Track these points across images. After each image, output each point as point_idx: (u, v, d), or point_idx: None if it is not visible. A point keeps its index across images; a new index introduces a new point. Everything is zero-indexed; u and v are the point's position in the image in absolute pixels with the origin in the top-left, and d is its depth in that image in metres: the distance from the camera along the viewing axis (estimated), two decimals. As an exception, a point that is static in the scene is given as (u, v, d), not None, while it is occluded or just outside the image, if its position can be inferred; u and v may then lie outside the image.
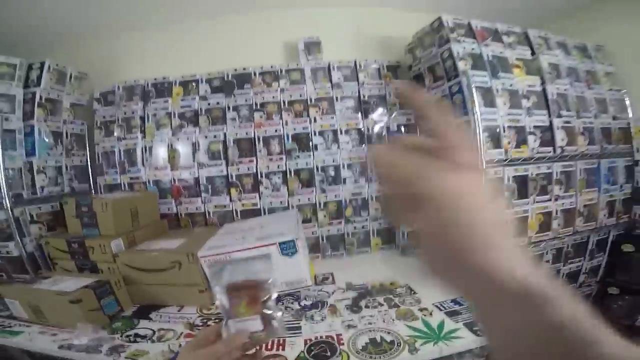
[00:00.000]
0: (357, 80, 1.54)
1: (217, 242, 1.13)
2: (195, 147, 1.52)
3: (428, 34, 1.38)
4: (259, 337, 0.56)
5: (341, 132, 1.49)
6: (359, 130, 1.51)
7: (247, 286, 0.57)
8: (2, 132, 1.24)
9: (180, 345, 0.88)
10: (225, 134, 1.51)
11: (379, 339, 0.85)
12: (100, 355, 0.87)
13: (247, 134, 1.50)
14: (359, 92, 1.53)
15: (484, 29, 1.32)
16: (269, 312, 0.57)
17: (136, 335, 0.94)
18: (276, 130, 1.50)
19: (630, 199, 1.46)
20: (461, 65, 1.22)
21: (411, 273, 1.21)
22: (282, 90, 1.54)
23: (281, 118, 1.51)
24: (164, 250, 1.11)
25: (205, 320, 1.01)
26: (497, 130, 1.22)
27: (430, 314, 0.95)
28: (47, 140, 1.41)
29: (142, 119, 1.56)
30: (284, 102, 1.53)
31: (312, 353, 0.82)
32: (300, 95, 1.53)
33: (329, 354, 0.81)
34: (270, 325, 0.57)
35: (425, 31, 1.40)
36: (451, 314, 0.94)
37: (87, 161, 1.61)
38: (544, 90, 1.34)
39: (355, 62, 1.56)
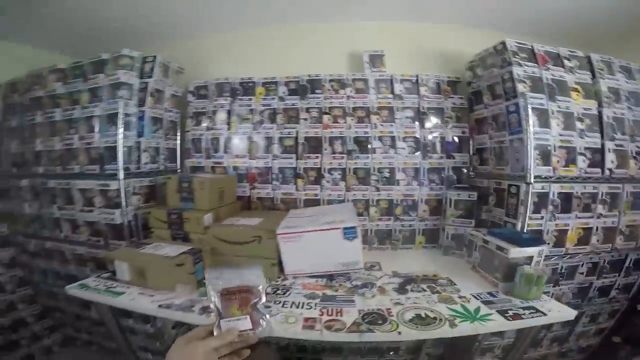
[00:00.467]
0: (418, 92, 1.68)
1: (289, 224, 1.35)
2: (271, 141, 1.76)
3: (490, 55, 1.48)
4: (248, 336, 0.65)
5: (399, 139, 1.65)
6: (415, 138, 1.65)
7: (239, 290, 0.67)
8: (124, 115, 1.48)
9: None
10: (297, 132, 1.73)
11: (423, 315, 1.02)
12: (194, 314, 1.04)
13: (315, 133, 1.71)
14: (418, 104, 1.67)
15: (546, 52, 1.40)
16: (258, 313, 0.67)
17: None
18: (340, 132, 1.69)
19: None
20: (520, 87, 1.32)
21: (452, 269, 1.36)
22: (348, 97, 1.72)
23: (345, 122, 1.70)
24: (247, 226, 1.35)
25: (275, 289, 1.21)
26: (548, 148, 1.31)
27: (468, 301, 1.11)
28: (151, 125, 1.69)
29: (229, 112, 1.81)
30: (349, 108, 1.71)
31: (366, 320, 1.00)
32: (364, 103, 1.70)
33: (380, 322, 0.99)
34: (259, 325, 0.66)
35: (488, 52, 1.50)
36: (487, 302, 1.09)
37: (177, 145, 1.89)
38: (599, 113, 1.40)
39: (417, 76, 1.69)
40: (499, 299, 1.11)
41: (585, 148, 1.36)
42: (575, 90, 1.39)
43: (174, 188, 1.49)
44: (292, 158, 1.73)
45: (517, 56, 1.37)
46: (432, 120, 1.67)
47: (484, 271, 1.26)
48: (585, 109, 1.38)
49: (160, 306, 1.09)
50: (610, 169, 1.38)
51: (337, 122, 1.71)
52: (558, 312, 1.03)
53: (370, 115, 1.69)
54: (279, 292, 1.20)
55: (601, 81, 1.42)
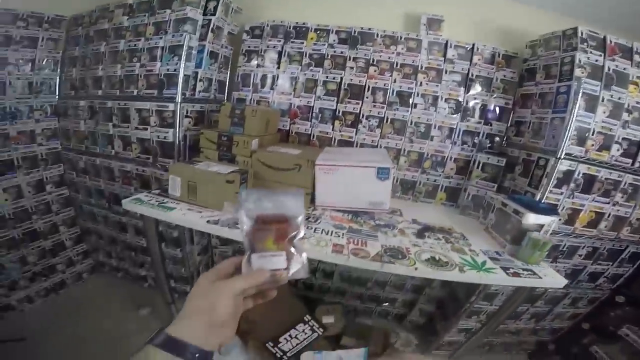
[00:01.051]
0: (471, 60, 1.67)
1: (327, 157, 1.44)
2: (316, 83, 1.81)
3: (556, 38, 1.47)
4: (280, 276, 0.53)
5: (441, 99, 1.67)
6: (457, 101, 1.68)
7: (277, 220, 0.55)
8: (187, 47, 1.57)
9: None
10: (342, 78, 1.77)
11: (437, 258, 1.14)
12: (238, 231, 1.10)
13: (360, 81, 1.74)
14: (468, 70, 1.67)
15: (617, 45, 1.37)
16: (295, 250, 0.55)
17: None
18: (385, 84, 1.71)
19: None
20: (578, 72, 1.33)
21: (467, 227, 1.45)
22: (397, 54, 1.72)
23: (391, 75, 1.72)
24: (289, 154, 1.44)
25: (307, 217, 1.33)
26: (587, 132, 1.35)
27: (477, 254, 1.21)
28: (209, 58, 1.76)
29: (280, 53, 1.85)
30: (396, 64, 1.72)
31: (388, 253, 1.12)
32: (413, 62, 1.70)
33: (400, 257, 1.11)
34: (294, 264, 0.55)
35: (555, 34, 1.48)
36: (493, 258, 1.18)
37: (227, 78, 1.97)
38: None
39: (473, 45, 1.67)
40: (503, 258, 1.21)
41: (623, 138, 1.39)
42: (635, 83, 1.38)
43: (227, 113, 1.57)
44: (333, 100, 1.78)
45: (585, 43, 1.35)
46: (478, 88, 1.67)
47: (496, 232, 1.36)
48: (638, 102, 1.38)
49: (208, 222, 1.17)
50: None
51: (383, 75, 1.73)
52: (551, 278, 1.12)
53: (418, 73, 1.69)
54: (310, 219, 1.33)
55: None
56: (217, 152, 1.54)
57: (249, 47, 1.89)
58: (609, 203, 1.46)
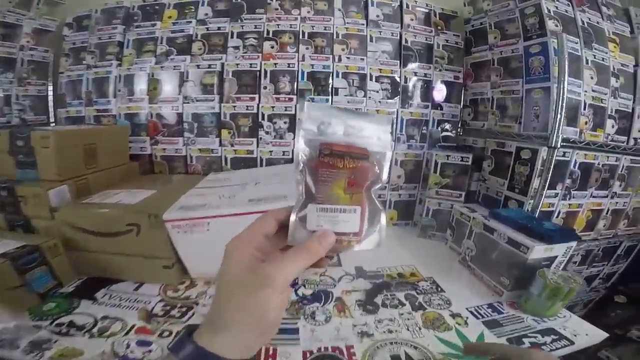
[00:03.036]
0: (401, 21, 1.16)
1: (194, 200, 0.80)
2: (183, 78, 1.15)
3: None
4: (349, 244, 0.31)
5: (371, 78, 1.12)
6: (392, 79, 1.14)
7: (353, 155, 0.31)
8: None
9: (128, 346, 0.59)
10: (223, 65, 1.13)
11: (403, 357, 0.59)
12: (17, 351, 0.56)
13: (251, 66, 1.12)
14: (400, 35, 1.16)
15: None
16: (373, 206, 0.32)
17: (71, 324, 0.63)
18: (289, 65, 1.12)
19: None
20: (551, 24, 0.89)
21: (434, 262, 0.95)
22: (303, 19, 1.14)
23: (297, 51, 1.13)
24: (120, 206, 0.77)
25: (168, 309, 0.71)
26: (578, 106, 0.92)
27: (466, 322, 0.70)
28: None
29: (121, 45, 1.20)
30: (303, 34, 1.14)
31: None
32: (325, 28, 1.14)
33: None
34: (371, 227, 0.32)
35: None
36: (491, 324, 0.69)
37: (46, 91, 1.27)
38: (635, 73, 1.03)
39: (401, 1, 1.17)
40: (506, 316, 0.72)
41: (617, 110, 0.99)
42: (613, 41, 1.00)
43: (4, 148, 0.83)
44: (213, 100, 1.14)
45: None
46: (416, 59, 1.16)
47: (482, 270, 0.86)
48: (622, 65, 1.01)
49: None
50: (635, 139, 1.03)
51: (286, 51, 1.13)
52: (586, 335, 0.67)
53: (334, 44, 1.13)
54: (173, 312, 0.70)
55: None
56: (2, 216, 0.82)
57: (73, 44, 1.22)
58: (607, 196, 1.05)
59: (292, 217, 0.30)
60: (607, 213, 1.08)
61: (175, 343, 0.28)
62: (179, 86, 1.16)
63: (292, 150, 1.14)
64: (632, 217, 1.16)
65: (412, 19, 1.16)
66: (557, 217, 0.99)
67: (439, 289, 0.82)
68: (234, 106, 1.13)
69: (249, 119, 1.14)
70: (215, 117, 1.15)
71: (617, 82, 0.99)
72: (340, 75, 1.12)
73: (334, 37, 1.14)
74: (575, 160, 0.94)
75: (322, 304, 0.75)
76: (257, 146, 1.15)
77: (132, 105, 1.17)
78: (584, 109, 0.92)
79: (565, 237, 0.75)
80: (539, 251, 0.72)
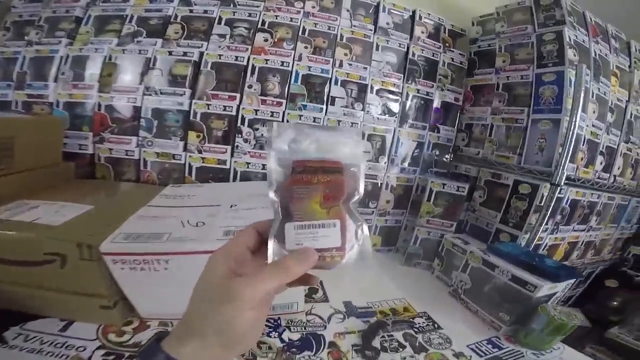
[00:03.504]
0: (412, 33, 1.07)
1: (147, 225, 0.60)
2: (148, 65, 0.94)
3: (525, 9, 0.99)
4: (332, 260, 0.30)
5: (372, 90, 1.01)
6: (394, 93, 1.04)
7: (326, 169, 0.31)
8: None
9: None
10: (202, 54, 0.95)
11: None
12: None
13: (237, 59, 0.95)
14: (407, 48, 1.06)
15: (597, 24, 0.99)
16: (353, 218, 0.31)
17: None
18: (282, 64, 0.96)
19: (630, 238, 1.33)
20: (570, 54, 0.86)
21: (423, 294, 0.88)
22: (306, 14, 1.01)
23: (294, 49, 0.98)
24: (37, 228, 0.55)
25: (112, 356, 0.53)
26: (578, 141, 0.90)
27: None
28: None
29: (78, 21, 0.99)
30: (303, 30, 1.00)
31: None
32: (329, 28, 1.01)
33: None
34: (351, 240, 0.31)
35: (523, 5, 1.00)
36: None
37: None
38: (625, 108, 1.06)
39: (414, 12, 1.09)
40: (506, 352, 0.70)
41: (607, 147, 1.00)
42: (615, 75, 1.01)
43: None
44: (183, 95, 0.94)
45: (571, 17, 0.91)
46: (421, 75, 1.08)
47: (477, 304, 0.81)
48: (618, 100, 1.02)
49: None
50: (615, 176, 1.06)
51: (281, 47, 0.98)
52: None
53: (336, 47, 1.01)
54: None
55: (635, 72, 1.08)
56: None
57: (20, 16, 0.99)
58: (584, 230, 1.07)
59: (271, 236, 0.30)
60: (581, 245, 1.11)
61: (144, 351, 0.28)
62: (141, 74, 0.94)
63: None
64: (597, 248, 1.21)
65: (422, 32, 1.08)
66: (542, 249, 0.98)
67: (436, 326, 0.76)
68: (208, 104, 0.94)
69: (225, 122, 0.95)
70: (182, 116, 0.95)
71: (612, 117, 1.01)
72: (339, 82, 0.99)
73: (337, 38, 1.01)
74: (568, 197, 0.94)
75: (313, 352, 0.63)
76: (232, 156, 0.96)
77: (76, 93, 0.93)
78: (583, 144, 0.91)
79: (569, 275, 0.74)
80: (544, 289, 0.70)
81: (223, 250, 0.30)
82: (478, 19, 1.16)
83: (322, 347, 0.64)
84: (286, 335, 0.66)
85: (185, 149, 0.96)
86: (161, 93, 0.94)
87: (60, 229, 0.56)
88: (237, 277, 0.28)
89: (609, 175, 1.04)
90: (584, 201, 1.00)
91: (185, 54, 0.95)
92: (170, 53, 0.95)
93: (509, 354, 0.69)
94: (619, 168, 1.06)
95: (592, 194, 1.00)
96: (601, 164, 1.00)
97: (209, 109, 0.94)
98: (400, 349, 0.67)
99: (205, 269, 0.30)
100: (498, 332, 0.75)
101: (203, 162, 0.96)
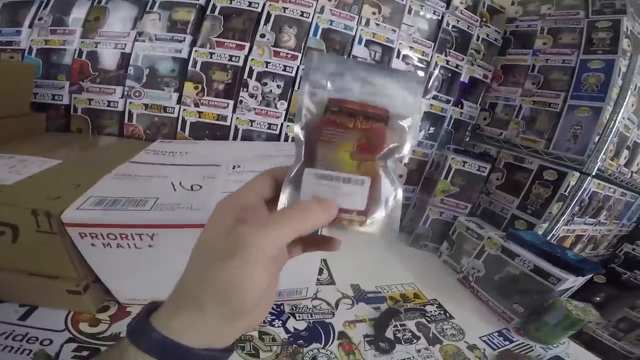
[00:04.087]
0: (449, 1, 0.96)
1: (127, 187, 0.48)
2: (145, 9, 0.80)
3: None
4: (350, 223, 0.24)
5: (398, 55, 0.90)
6: (422, 61, 0.94)
7: (369, 115, 0.24)
8: None
9: None
10: (209, -4, 0.79)
11: None
12: None
13: (250, 5, 0.81)
14: (442, 16, 0.95)
15: None
16: (388, 178, 0.25)
17: None
18: (302, 14, 0.83)
19: (626, 236, 1.34)
20: (625, 43, 0.79)
21: (431, 279, 0.84)
22: None
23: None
24: None
25: (86, 355, 0.43)
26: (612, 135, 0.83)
27: (484, 354, 0.62)
28: None
29: None
30: (330, -20, 0.86)
31: None
32: (360, -19, 0.87)
33: None
34: (380, 208, 0.24)
35: None
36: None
37: None
38: None
39: None
40: (517, 345, 0.67)
41: (635, 142, 0.95)
42: None
43: None
44: (182, 42, 0.80)
45: (633, 7, 0.83)
46: (453, 47, 0.98)
47: (489, 294, 0.77)
48: None
49: None
50: (632, 172, 1.02)
51: None
52: None
53: (364, 4, 0.88)
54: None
55: None
56: None
57: None
58: (593, 224, 1.05)
59: (286, 181, 0.25)
60: (585, 239, 1.08)
61: (133, 328, 0.21)
62: (134, 19, 0.79)
63: (281, 125, 0.87)
64: (597, 242, 1.20)
65: (462, 2, 0.97)
66: (553, 240, 0.95)
67: (448, 315, 0.72)
68: (212, 53, 0.81)
69: (228, 74, 0.83)
70: (179, 65, 0.81)
71: None
72: (363, 42, 0.87)
73: None
74: (590, 189, 0.89)
75: (322, 344, 0.56)
76: (234, 111, 0.85)
77: (53, 39, 0.78)
78: (615, 136, 0.86)
79: (592, 268, 0.71)
80: (568, 282, 0.66)
81: (231, 199, 0.25)
82: (523, -3, 1.06)
83: (331, 338, 0.58)
84: (291, 324, 0.59)
85: (179, 101, 0.83)
86: (156, 39, 0.80)
87: (11, 190, 0.43)
88: (245, 224, 0.22)
89: (628, 171, 1.00)
90: (600, 195, 0.95)
91: (189, -6, 0.80)
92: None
93: (519, 348, 0.66)
94: (638, 164, 1.02)
95: (609, 188, 0.96)
96: (625, 158, 0.95)
97: (211, 57, 0.81)
98: (415, 340, 0.62)
99: (208, 221, 0.24)
100: (509, 324, 0.71)
101: (199, 117, 0.84)
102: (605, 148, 0.76)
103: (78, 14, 0.80)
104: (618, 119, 0.73)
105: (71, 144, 0.71)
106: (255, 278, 0.21)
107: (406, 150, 0.25)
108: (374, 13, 0.89)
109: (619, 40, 0.80)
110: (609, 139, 0.74)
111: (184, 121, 0.84)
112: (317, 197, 0.24)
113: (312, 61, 0.25)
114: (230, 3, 0.81)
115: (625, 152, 0.93)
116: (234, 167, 0.61)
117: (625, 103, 0.72)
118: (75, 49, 0.79)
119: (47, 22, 0.79)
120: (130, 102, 0.81)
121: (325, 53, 0.79)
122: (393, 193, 0.25)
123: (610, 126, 0.73)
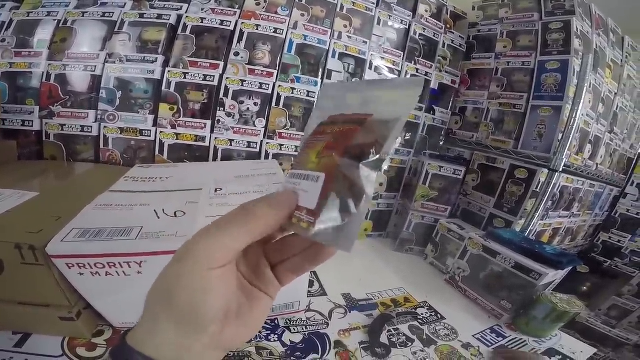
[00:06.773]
0: (415, 10, 1.03)
1: (109, 216, 0.49)
2: (113, 29, 0.81)
3: None
4: (299, 223, 0.22)
5: (370, 67, 0.95)
6: (392, 71, 0.99)
7: (349, 120, 0.24)
8: None
9: None
10: (180, 17, 0.83)
11: None
12: None
13: (222, 23, 0.83)
14: (409, 25, 1.02)
15: (600, 17, 1.01)
16: (349, 185, 0.21)
17: None
18: (275, 31, 0.86)
19: (600, 225, 1.44)
20: (576, 44, 0.87)
21: (419, 281, 0.88)
22: None
23: (290, 16, 0.88)
24: None
25: None
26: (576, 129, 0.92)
27: (479, 352, 0.65)
28: None
29: None
30: (302, -4, 0.90)
31: None
32: (330, -3, 0.92)
33: None
34: (333, 212, 0.21)
35: None
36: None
37: None
38: (613, 100, 1.10)
39: None
40: (510, 340, 0.70)
41: (595, 136, 1.04)
42: (609, 67, 1.04)
43: None
44: (153, 62, 0.82)
45: (580, 8, 0.92)
46: (421, 55, 1.04)
47: (476, 292, 0.81)
48: (609, 91, 1.05)
49: None
50: (597, 165, 1.12)
51: (275, 13, 0.88)
52: (581, 352, 0.71)
53: (335, 18, 0.92)
54: None
55: (625, 66, 1.12)
56: None
57: None
58: (567, 216, 1.12)
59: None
60: (563, 231, 1.16)
61: (114, 349, 0.22)
62: (103, 40, 0.80)
63: (260, 142, 0.89)
64: (574, 234, 1.28)
65: (426, 10, 1.04)
66: (530, 236, 1.01)
67: (439, 316, 0.75)
68: (185, 73, 0.82)
69: (204, 94, 0.84)
70: (152, 86, 0.82)
71: (602, 108, 1.04)
72: (337, 55, 0.91)
73: (337, 9, 0.92)
74: (560, 184, 0.96)
75: (320, 355, 0.58)
76: (212, 132, 0.86)
77: (19, 62, 0.77)
78: (576, 132, 0.94)
79: (571, 261, 0.75)
80: (549, 277, 0.71)
81: (214, 227, 0.23)
82: (480, 3, 1.15)
83: (328, 348, 0.59)
84: (287, 338, 0.60)
85: (155, 123, 0.83)
86: (127, 60, 0.81)
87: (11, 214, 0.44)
88: (200, 230, 0.22)
89: (593, 163, 1.09)
90: (570, 188, 1.03)
91: (160, 16, 0.82)
92: (141, 16, 0.81)
93: (513, 343, 0.70)
94: (601, 157, 1.12)
95: (578, 181, 1.04)
96: (589, 152, 1.04)
97: (185, 77, 0.82)
98: (409, 343, 0.64)
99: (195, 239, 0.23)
100: (499, 321, 0.75)
101: (177, 139, 0.84)
102: (569, 144, 0.83)
103: (43, 35, 0.80)
104: (577, 116, 0.80)
105: (46, 173, 0.70)
106: (198, 280, 0.20)
107: (385, 148, 0.22)
108: (345, 26, 0.94)
109: (570, 41, 0.88)
110: (572, 135, 0.81)
111: (161, 144, 0.84)
112: (268, 194, 0.24)
113: (320, 91, 0.27)
114: (202, 22, 0.83)
115: (588, 146, 1.02)
116: (215, 191, 0.63)
117: (582, 101, 0.80)
118: (43, 72, 0.78)
119: (11, 44, 0.79)
120: (104, 127, 0.81)
121: (331, 82, 0.81)
122: (355, 200, 0.21)
123: (571, 123, 0.80)
